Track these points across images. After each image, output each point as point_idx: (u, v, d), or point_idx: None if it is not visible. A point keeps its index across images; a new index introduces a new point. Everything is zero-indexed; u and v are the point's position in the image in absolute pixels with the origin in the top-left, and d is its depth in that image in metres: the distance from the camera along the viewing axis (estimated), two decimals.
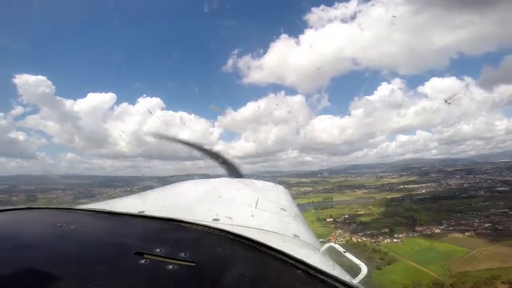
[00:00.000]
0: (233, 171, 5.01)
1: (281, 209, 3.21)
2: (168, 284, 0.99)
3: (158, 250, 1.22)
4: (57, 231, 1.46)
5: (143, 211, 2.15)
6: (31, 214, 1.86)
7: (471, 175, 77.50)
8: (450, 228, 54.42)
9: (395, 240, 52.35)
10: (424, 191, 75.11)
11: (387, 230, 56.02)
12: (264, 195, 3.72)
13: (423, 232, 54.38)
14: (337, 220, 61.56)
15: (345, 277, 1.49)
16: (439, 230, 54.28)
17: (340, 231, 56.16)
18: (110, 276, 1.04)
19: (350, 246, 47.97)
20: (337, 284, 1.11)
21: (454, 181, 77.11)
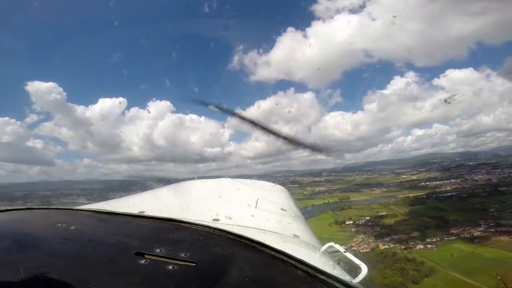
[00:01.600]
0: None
1: (281, 209, 3.28)
2: (168, 284, 1.00)
3: (158, 250, 1.23)
4: (57, 231, 1.44)
5: (143, 211, 2.18)
6: (31, 214, 1.86)
7: (498, 169, 70.73)
8: (491, 230, 47.19)
9: (429, 246, 45.28)
10: (448, 188, 68.78)
11: (417, 233, 49.12)
12: (264, 195, 3.72)
13: (460, 235, 47.21)
14: (357, 222, 54.85)
15: (345, 277, 1.49)
16: (479, 233, 47.04)
17: (363, 236, 49.32)
18: (110, 276, 1.05)
19: (377, 255, 41.17)
20: (337, 284, 1.11)
21: (480, 176, 70.56)
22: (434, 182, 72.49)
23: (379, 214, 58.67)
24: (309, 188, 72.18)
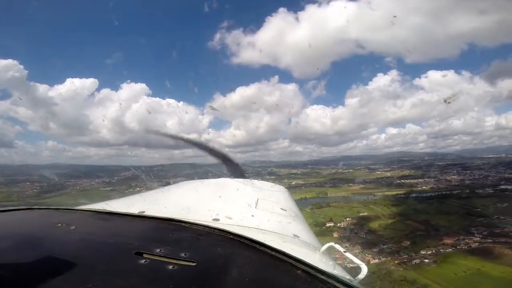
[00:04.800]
0: (236, 171, 4.89)
1: (281, 209, 3.24)
2: (168, 284, 1.00)
3: (158, 250, 1.23)
4: (57, 231, 1.46)
5: (143, 211, 2.18)
6: (31, 214, 1.86)
7: (468, 171, 69.33)
8: (489, 241, 40.21)
9: (426, 260, 36.39)
10: (425, 187, 64.61)
11: (408, 242, 40.52)
12: (264, 195, 3.71)
13: (458, 246, 39.34)
14: (339, 225, 45.00)
15: (345, 277, 1.50)
16: (476, 244, 39.79)
17: (347, 245, 39.20)
18: (110, 276, 1.05)
19: (370, 275, 31.02)
20: (337, 284, 1.11)
21: (453, 176, 68.07)
22: (409, 180, 68.44)
23: (361, 214, 50.06)
24: (286, 180, 62.76)
